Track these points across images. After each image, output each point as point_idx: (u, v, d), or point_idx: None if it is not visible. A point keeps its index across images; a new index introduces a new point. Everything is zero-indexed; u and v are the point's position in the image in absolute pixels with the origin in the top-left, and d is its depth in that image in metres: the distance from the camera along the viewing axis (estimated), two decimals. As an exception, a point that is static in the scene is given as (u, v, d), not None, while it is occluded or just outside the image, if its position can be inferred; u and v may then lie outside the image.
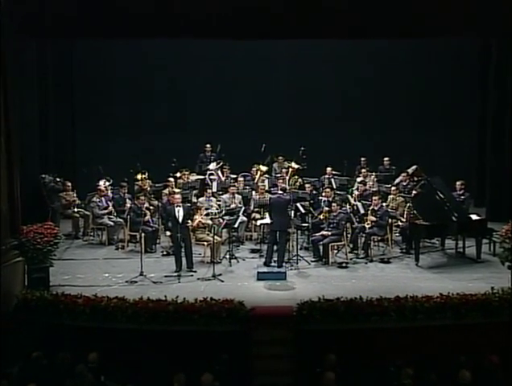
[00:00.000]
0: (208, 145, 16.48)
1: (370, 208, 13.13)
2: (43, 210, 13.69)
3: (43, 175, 14.41)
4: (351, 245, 13.21)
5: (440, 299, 10.11)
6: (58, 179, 14.61)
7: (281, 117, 17.65)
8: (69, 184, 14.69)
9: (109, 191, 14.58)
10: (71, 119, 17.31)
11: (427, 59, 17.28)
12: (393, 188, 14.19)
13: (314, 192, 14.37)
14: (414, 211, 13.07)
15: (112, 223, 13.95)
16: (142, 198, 13.65)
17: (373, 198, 13.25)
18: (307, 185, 14.62)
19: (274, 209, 12.42)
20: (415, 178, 14.51)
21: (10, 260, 10.75)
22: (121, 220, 13.97)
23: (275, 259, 12.13)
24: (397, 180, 15.04)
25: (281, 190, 12.88)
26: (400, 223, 13.62)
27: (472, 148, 17.07)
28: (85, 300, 10.20)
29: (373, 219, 12.93)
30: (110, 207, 14.16)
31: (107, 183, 14.64)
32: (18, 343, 9.72)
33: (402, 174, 14.92)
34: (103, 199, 14.16)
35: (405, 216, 13.53)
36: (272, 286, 11.44)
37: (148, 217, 13.30)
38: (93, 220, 14.18)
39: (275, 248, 12.17)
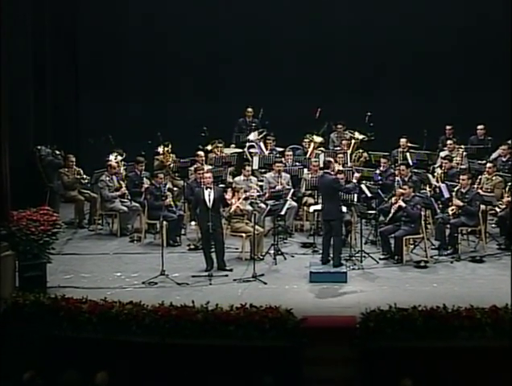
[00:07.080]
0: (249, 109, 16.46)
1: (455, 190, 13.01)
2: (39, 191, 13.89)
3: (39, 147, 14.54)
4: (435, 241, 13.05)
5: (552, 311, 9.94)
6: (57, 152, 14.74)
7: (341, 74, 17.52)
8: (73, 159, 14.81)
9: (122, 168, 14.68)
10: (74, 76, 17.46)
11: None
12: (488, 165, 14.05)
13: (391, 169, 14.26)
14: (517, 195, 12.94)
15: (125, 209, 14.03)
16: (161, 175, 13.71)
17: (461, 177, 13.11)
18: (382, 160, 14.46)
19: (322, 192, 12.38)
20: (519, 153, 14.43)
21: (-3, 254, 10.88)
22: (136, 205, 14.07)
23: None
24: (494, 155, 14.98)
25: (325, 167, 12.37)
26: (497, 210, 13.45)
27: None
28: (91, 306, 10.25)
29: (459, 203, 12.77)
30: (123, 189, 14.23)
31: (119, 158, 14.73)
32: (6, 360, 9.79)
33: (502, 147, 14.86)
34: (114, 177, 14.24)
35: (504, 202, 13.34)
36: (329, 291, 11.41)
37: (170, 200, 13.33)
38: (102, 204, 14.26)
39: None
